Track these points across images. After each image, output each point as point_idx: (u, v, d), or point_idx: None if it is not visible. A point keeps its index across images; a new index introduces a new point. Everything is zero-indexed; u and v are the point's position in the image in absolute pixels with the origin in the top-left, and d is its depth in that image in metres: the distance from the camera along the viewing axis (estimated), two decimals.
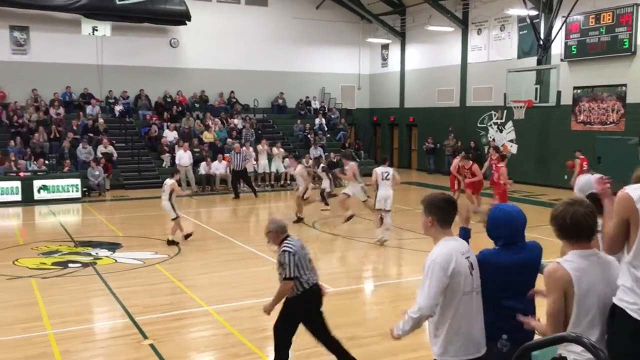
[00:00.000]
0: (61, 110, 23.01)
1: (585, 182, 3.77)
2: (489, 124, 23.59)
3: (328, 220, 14.71)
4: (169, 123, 23.68)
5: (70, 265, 10.27)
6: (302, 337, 5.72)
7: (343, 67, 29.37)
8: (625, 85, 18.49)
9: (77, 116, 22.58)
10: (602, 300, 3.01)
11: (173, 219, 11.80)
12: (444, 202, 3.56)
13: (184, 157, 20.50)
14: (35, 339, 6.86)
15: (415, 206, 14.51)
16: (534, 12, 19.57)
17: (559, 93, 18.36)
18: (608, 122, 19.09)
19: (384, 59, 29.39)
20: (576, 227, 2.96)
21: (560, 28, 19.16)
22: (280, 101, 27.48)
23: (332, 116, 27.52)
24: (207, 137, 23.14)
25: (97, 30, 23.86)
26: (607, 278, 3.04)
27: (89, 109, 23.33)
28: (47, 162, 19.69)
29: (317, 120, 26.53)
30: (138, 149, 22.23)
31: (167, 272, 9.77)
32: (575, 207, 2.98)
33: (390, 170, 11.84)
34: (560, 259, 3.04)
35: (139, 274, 9.81)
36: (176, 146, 21.80)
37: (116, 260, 10.64)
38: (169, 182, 11.77)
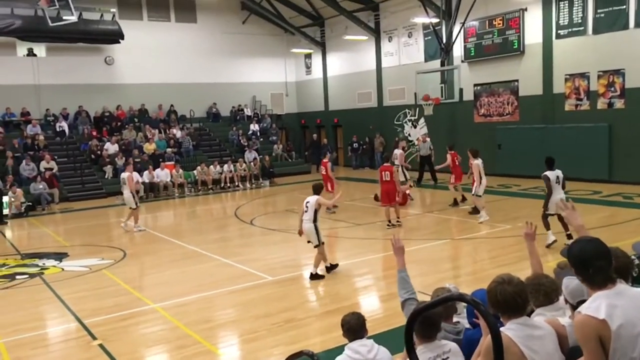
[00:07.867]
0: (1, 129, 21.77)
1: (576, 286, 2.92)
2: (404, 121, 24.16)
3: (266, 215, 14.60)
4: (109, 137, 22.83)
5: (18, 277, 9.74)
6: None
7: (271, 76, 29.23)
8: (517, 80, 19.37)
9: (21, 134, 21.55)
10: None
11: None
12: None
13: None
14: None
15: (348, 198, 14.62)
16: (435, 20, 20.14)
17: (461, 90, 19.03)
18: (505, 114, 19.95)
19: (308, 67, 29.51)
20: (506, 304, 2.75)
21: (459, 33, 19.83)
22: (214, 110, 27.09)
23: (264, 125, 27.30)
24: (148, 148, 22.50)
25: (32, 51, 22.71)
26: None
27: (28, 127, 22.17)
28: None
29: (251, 127, 26.32)
30: (80, 163, 21.32)
31: (114, 276, 9.44)
32: (504, 286, 2.76)
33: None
34: (503, 328, 2.68)
35: (86, 279, 9.42)
36: (119, 162, 20.93)
37: (63, 269, 10.18)
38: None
